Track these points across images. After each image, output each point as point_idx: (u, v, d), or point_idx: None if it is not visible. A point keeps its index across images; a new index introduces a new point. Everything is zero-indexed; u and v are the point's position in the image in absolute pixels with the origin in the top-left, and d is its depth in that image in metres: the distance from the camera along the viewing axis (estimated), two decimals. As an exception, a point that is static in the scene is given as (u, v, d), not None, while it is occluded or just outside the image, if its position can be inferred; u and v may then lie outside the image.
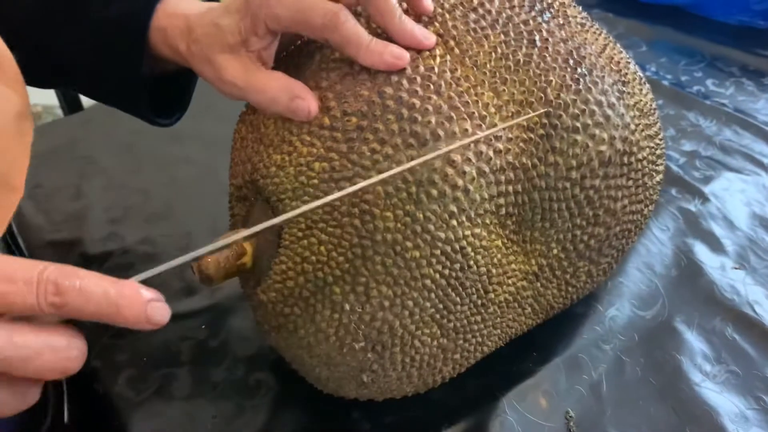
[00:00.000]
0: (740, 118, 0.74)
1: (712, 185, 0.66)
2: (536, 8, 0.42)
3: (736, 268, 0.57)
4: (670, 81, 0.81)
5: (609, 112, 0.40)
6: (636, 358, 0.50)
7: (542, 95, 0.39)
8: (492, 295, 0.39)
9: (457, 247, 0.36)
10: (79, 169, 0.68)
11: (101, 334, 0.51)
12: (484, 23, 0.41)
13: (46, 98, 1.81)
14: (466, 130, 0.36)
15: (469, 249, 0.36)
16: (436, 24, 0.40)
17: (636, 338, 0.51)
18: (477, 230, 0.37)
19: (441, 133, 0.36)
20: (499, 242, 0.39)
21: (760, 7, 0.88)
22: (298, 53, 0.41)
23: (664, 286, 0.55)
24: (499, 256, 0.39)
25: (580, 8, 0.47)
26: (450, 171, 0.35)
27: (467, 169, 0.36)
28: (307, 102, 0.37)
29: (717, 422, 0.46)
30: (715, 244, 0.59)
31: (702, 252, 0.58)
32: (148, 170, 0.67)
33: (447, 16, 0.41)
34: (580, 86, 0.40)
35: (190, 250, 0.40)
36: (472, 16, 0.41)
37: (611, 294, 0.54)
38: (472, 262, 0.37)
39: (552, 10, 0.43)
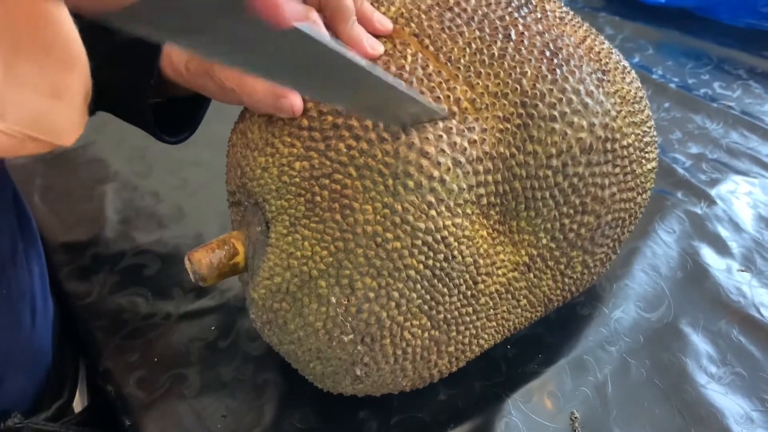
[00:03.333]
0: (747, 120, 0.74)
1: (719, 188, 0.66)
2: (513, 4, 0.43)
3: (742, 271, 0.57)
4: (677, 84, 0.81)
5: (587, 99, 0.41)
6: (641, 360, 0.50)
7: (517, 86, 0.40)
8: (482, 286, 0.40)
9: (439, 237, 0.37)
10: (92, 172, 0.69)
11: (113, 336, 0.52)
12: (459, 21, 0.42)
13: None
14: (438, 123, 0.37)
15: (451, 239, 0.37)
16: (412, 25, 0.41)
17: (641, 340, 0.52)
18: (458, 220, 0.38)
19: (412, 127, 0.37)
20: (484, 232, 0.39)
21: (768, 9, 0.89)
22: None
23: (669, 289, 0.56)
24: (485, 246, 0.39)
25: (561, 2, 0.47)
26: (425, 162, 0.36)
27: (442, 159, 0.37)
28: (290, 99, 0.38)
29: (722, 424, 0.46)
30: (721, 247, 0.59)
31: (708, 254, 0.59)
32: (159, 173, 0.68)
33: (423, 17, 0.42)
34: (557, 76, 0.40)
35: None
36: (448, 15, 0.42)
37: (617, 296, 0.55)
38: (456, 252, 0.38)
39: (530, 5, 0.44)
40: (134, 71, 0.45)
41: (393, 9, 0.42)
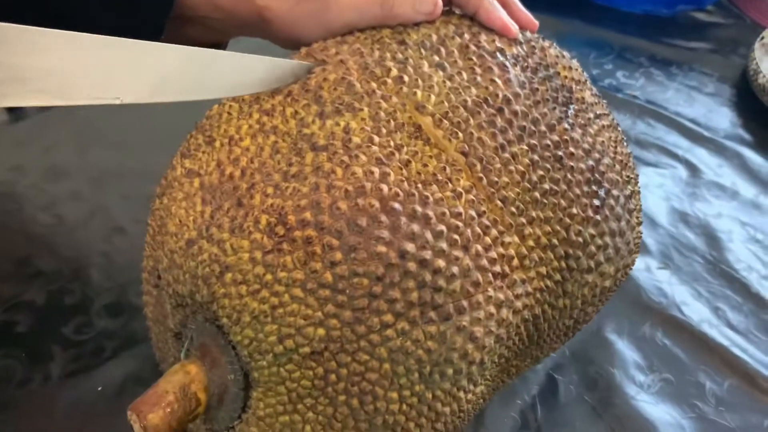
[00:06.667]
0: (652, 109, 0.74)
1: (631, 182, 0.65)
2: (559, 100, 0.38)
3: (661, 268, 0.56)
4: (582, 75, 0.80)
5: (620, 244, 0.38)
6: (569, 376, 0.48)
7: (564, 234, 0.35)
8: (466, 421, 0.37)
9: (459, 413, 0.33)
10: (-49, 215, 0.60)
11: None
12: (511, 135, 0.34)
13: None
14: (490, 297, 0.32)
15: (469, 407, 0.33)
16: (460, 134, 0.33)
17: (567, 353, 0.49)
18: (479, 389, 0.33)
19: (465, 304, 0.31)
20: (489, 380, 0.36)
21: (663, -5, 0.89)
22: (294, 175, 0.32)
23: (591, 294, 0.54)
24: (488, 394, 0.37)
25: (588, 81, 0.43)
26: (470, 347, 0.31)
27: (487, 341, 0.31)
28: None
29: (655, 436, 0.45)
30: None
31: (626, 254, 0.57)
32: (30, 210, 0.60)
33: (471, 122, 0.34)
34: (599, 216, 0.36)
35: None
36: (499, 122, 0.35)
37: (539, 308, 0.52)
38: (467, 417, 0.34)
39: (574, 101, 0.39)
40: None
41: (433, 98, 0.34)
